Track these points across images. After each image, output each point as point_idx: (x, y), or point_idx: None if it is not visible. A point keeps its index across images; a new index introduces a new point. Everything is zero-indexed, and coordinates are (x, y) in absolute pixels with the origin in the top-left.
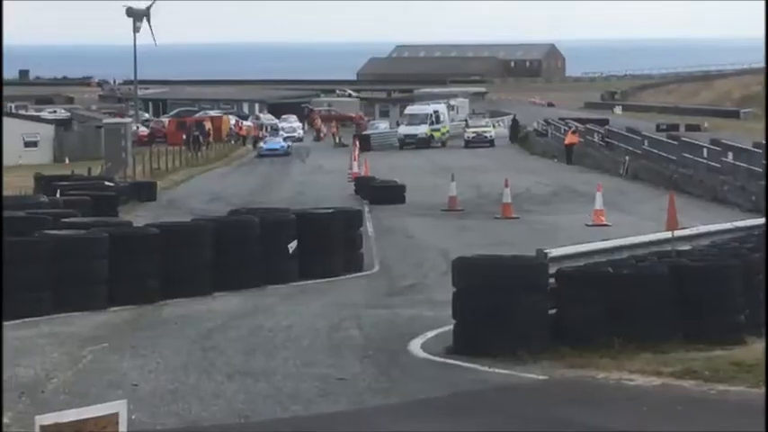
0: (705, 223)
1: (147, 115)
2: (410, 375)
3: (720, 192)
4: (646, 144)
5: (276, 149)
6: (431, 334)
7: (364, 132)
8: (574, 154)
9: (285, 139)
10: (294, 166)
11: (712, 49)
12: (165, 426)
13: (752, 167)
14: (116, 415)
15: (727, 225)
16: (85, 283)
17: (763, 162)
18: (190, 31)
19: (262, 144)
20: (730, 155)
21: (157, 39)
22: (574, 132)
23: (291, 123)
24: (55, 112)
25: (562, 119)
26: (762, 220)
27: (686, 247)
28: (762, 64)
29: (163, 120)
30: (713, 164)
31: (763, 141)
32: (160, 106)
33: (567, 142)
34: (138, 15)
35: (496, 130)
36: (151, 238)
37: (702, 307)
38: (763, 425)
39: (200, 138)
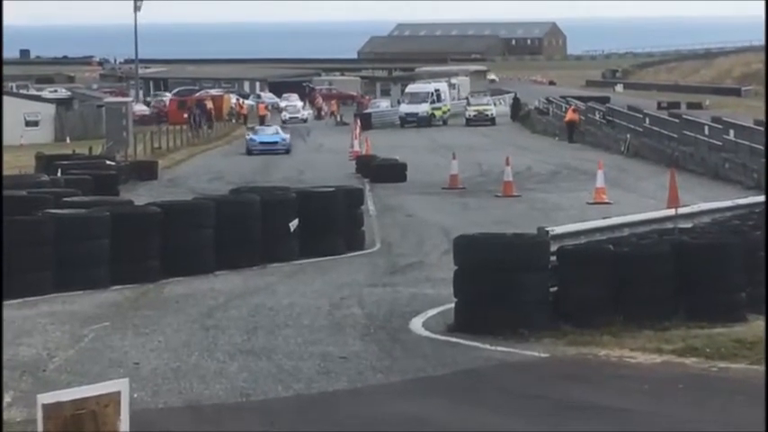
0: (706, 201)
1: (167, 94)
2: (411, 353)
3: (722, 169)
4: (647, 122)
5: (274, 143)
6: (432, 312)
7: (365, 111)
8: (576, 132)
9: (286, 124)
10: (295, 144)
11: (713, 27)
12: (166, 404)
13: (753, 145)
14: (118, 393)
15: (729, 203)
16: (87, 262)
17: (765, 143)
18: (191, 11)
19: (251, 135)
20: (732, 132)
21: (160, 19)
22: (574, 110)
23: (293, 102)
24: (56, 91)
25: (563, 97)
26: (763, 198)
27: (687, 225)
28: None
29: (164, 98)
30: (714, 142)
31: (764, 119)
32: (161, 85)
33: (567, 119)
34: None
35: (497, 108)
36: (152, 217)
37: (703, 284)
38: (761, 401)
39: (196, 117)
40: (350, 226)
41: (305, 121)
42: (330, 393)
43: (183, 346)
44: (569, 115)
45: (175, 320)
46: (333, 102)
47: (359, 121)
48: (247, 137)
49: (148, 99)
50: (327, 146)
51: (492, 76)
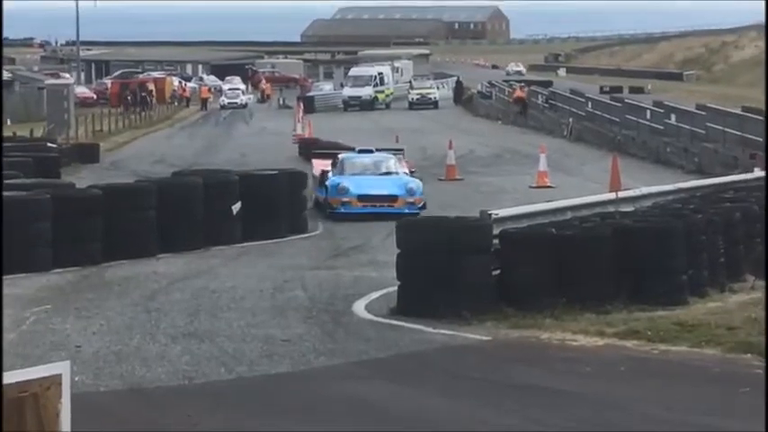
0: (648, 185)
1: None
2: (354, 336)
3: (663, 153)
4: (589, 106)
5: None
6: (375, 295)
7: (308, 94)
8: (527, 107)
9: (224, 109)
10: (238, 128)
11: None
12: (108, 387)
13: (695, 129)
14: (59, 376)
15: (670, 186)
16: (27, 244)
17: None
18: None
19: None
20: (673, 117)
21: (102, 1)
22: (521, 88)
23: (236, 86)
24: None
25: (506, 80)
26: (704, 181)
27: (629, 209)
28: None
29: (105, 81)
30: (656, 126)
31: (707, 103)
32: (103, 68)
33: (516, 96)
34: None
35: (440, 92)
36: (94, 200)
37: (645, 268)
38: (702, 383)
39: (130, 97)
40: (293, 209)
41: (244, 106)
42: (273, 376)
43: (125, 329)
44: (518, 93)
45: (117, 303)
46: (267, 85)
47: (302, 105)
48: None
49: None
50: (270, 129)
51: (517, 68)
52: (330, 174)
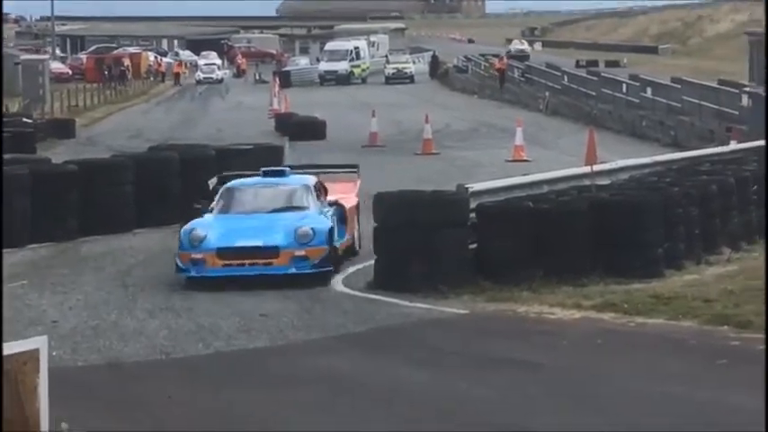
0: (624, 158)
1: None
2: (331, 311)
3: (639, 127)
4: (565, 80)
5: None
6: (352, 269)
7: (284, 69)
8: (505, 79)
9: (200, 84)
10: (214, 102)
11: None
12: (86, 362)
13: (670, 102)
14: (36, 351)
15: (646, 159)
16: (3, 220)
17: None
18: None
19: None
20: (649, 90)
21: None
22: (501, 60)
23: (212, 61)
24: None
25: (482, 55)
26: (681, 154)
27: (605, 182)
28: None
29: (81, 57)
30: (632, 99)
31: (683, 76)
32: (78, 43)
33: (497, 67)
34: None
35: (416, 66)
36: (70, 175)
37: (621, 241)
38: (679, 355)
39: (107, 72)
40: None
41: (220, 81)
42: (250, 350)
43: (102, 304)
44: (498, 64)
45: (94, 279)
46: (243, 60)
47: (278, 79)
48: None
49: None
50: (246, 104)
51: (521, 46)
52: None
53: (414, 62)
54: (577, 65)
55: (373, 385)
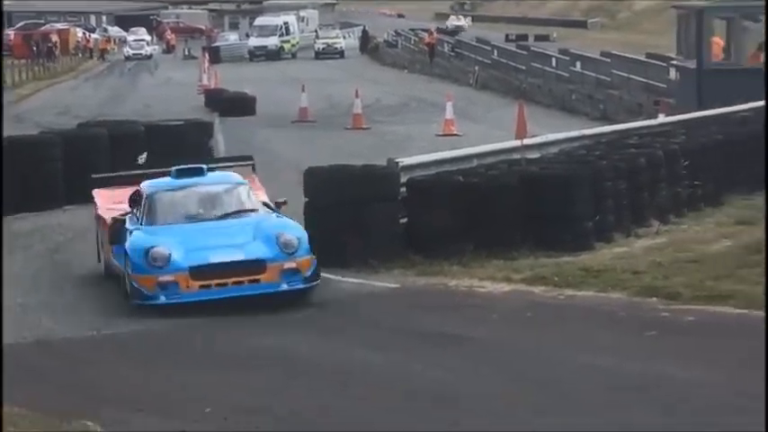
0: (554, 132)
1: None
2: None
3: (569, 101)
4: (495, 54)
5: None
6: None
7: (214, 44)
8: (435, 53)
9: (129, 60)
10: (143, 78)
11: None
12: (16, 340)
13: (599, 76)
14: None
15: (575, 133)
16: None
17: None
18: None
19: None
20: (578, 64)
21: None
22: (430, 34)
23: (141, 37)
24: None
25: (412, 29)
26: (609, 128)
27: (535, 156)
28: None
29: (9, 33)
30: (562, 73)
31: (612, 50)
32: (4, 19)
33: (426, 41)
34: None
35: (346, 41)
36: None
37: (551, 214)
38: (608, 327)
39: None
40: (199, 159)
41: (149, 57)
42: (185, 325)
43: (31, 281)
44: (428, 39)
45: (23, 256)
46: (172, 35)
47: (207, 55)
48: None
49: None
50: (176, 79)
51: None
52: (129, 224)
53: (344, 37)
54: (507, 39)
55: (304, 359)
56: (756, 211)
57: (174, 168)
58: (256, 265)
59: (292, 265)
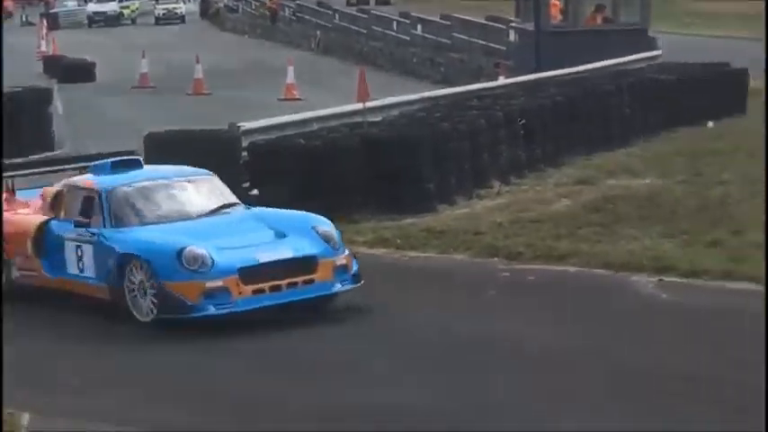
0: (395, 95)
1: None
2: None
3: (410, 64)
4: (336, 18)
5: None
6: None
7: (52, 10)
8: (278, 17)
9: None
10: None
11: None
12: None
13: (440, 39)
14: None
15: (415, 96)
16: None
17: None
18: None
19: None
20: (419, 27)
21: None
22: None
23: None
24: None
25: None
26: (450, 90)
27: (377, 119)
28: None
29: None
30: (403, 37)
31: (452, 13)
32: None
33: (268, 6)
34: None
35: (187, 6)
36: None
37: (393, 177)
38: (451, 287)
39: None
40: (38, 126)
41: None
42: None
43: None
44: (269, 3)
45: None
46: (9, 1)
47: (45, 21)
48: None
49: None
50: (13, 46)
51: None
52: (62, 231)
53: (184, 2)
54: (348, 3)
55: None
56: (594, 171)
57: (110, 161)
58: (308, 263)
59: (342, 261)
